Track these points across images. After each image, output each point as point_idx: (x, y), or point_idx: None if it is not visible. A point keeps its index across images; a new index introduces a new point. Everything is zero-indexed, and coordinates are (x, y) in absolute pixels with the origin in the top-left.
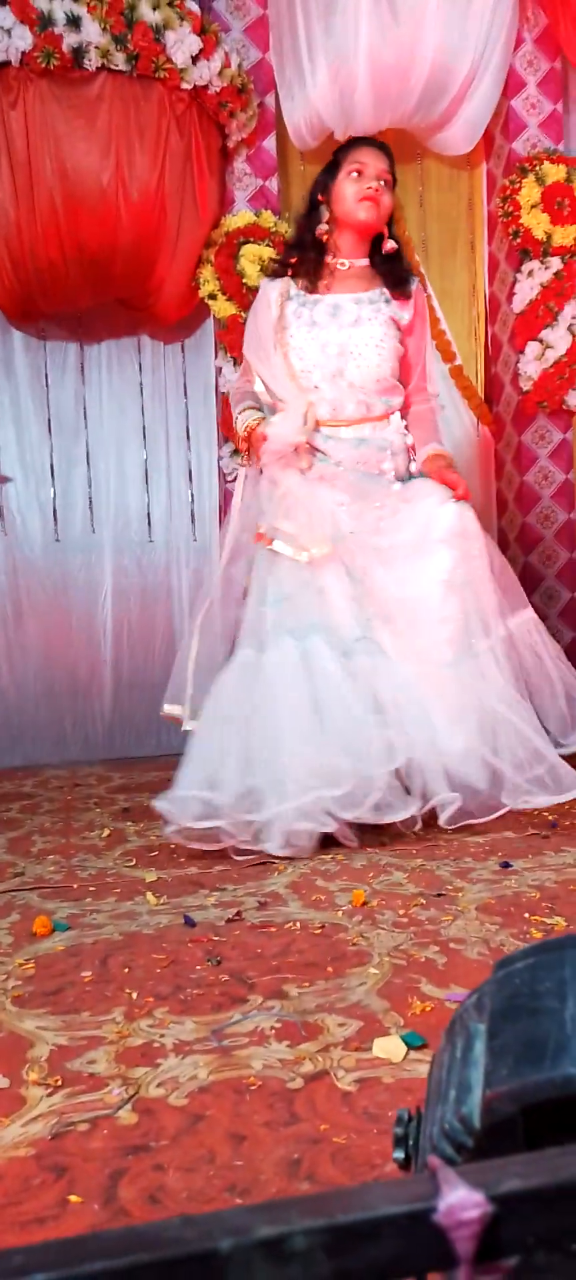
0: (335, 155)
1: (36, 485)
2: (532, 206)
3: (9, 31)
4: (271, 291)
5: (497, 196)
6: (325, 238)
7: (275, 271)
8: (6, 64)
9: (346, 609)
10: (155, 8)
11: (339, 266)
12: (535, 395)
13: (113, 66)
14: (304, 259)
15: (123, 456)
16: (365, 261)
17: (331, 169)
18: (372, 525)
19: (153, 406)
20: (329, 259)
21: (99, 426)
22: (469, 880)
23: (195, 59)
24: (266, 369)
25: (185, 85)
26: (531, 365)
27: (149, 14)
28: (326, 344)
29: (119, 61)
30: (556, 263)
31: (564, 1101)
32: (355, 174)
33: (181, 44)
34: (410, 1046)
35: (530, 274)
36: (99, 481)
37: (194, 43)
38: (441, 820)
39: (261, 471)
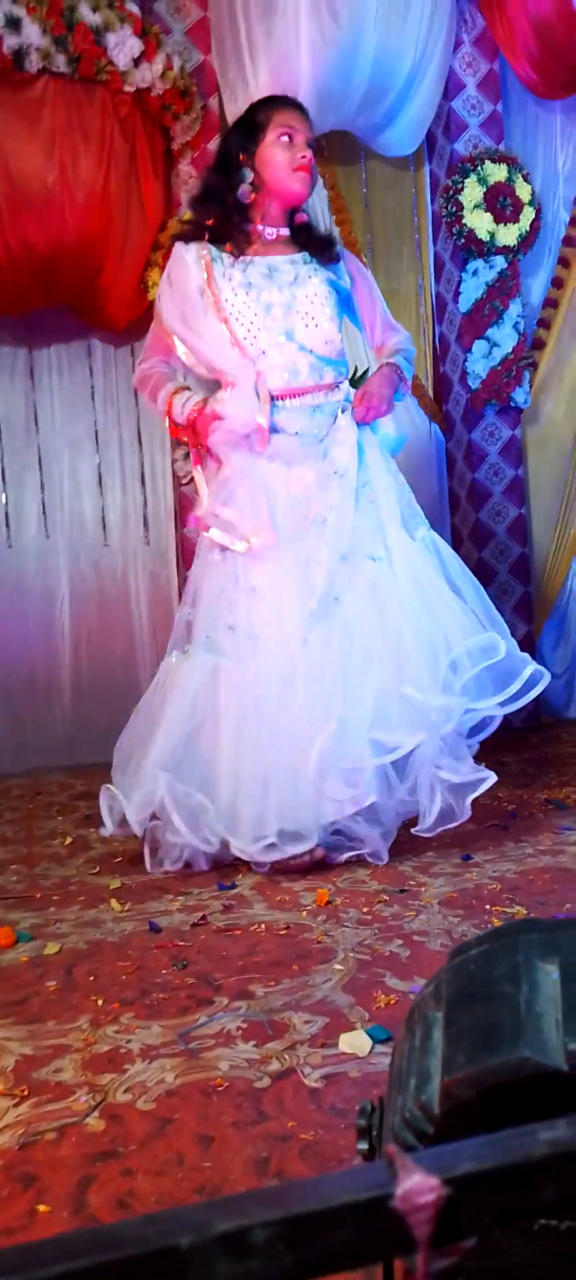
0: (254, 113)
1: None
2: (475, 206)
3: None
4: (187, 254)
5: (441, 196)
6: (249, 199)
7: (188, 234)
8: None
9: (284, 608)
10: (95, 9)
11: (266, 234)
12: (483, 393)
13: (54, 69)
14: (226, 222)
15: (76, 461)
16: (287, 231)
17: (252, 129)
18: (317, 498)
19: (105, 410)
20: (254, 224)
21: (51, 431)
22: (431, 875)
23: (137, 61)
24: (198, 339)
25: (128, 88)
26: (479, 363)
27: (89, 15)
28: (270, 305)
29: (60, 64)
30: (500, 261)
31: (520, 1084)
32: (286, 139)
33: (122, 46)
34: (376, 1040)
35: (475, 273)
36: (52, 487)
37: (135, 45)
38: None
39: (207, 454)
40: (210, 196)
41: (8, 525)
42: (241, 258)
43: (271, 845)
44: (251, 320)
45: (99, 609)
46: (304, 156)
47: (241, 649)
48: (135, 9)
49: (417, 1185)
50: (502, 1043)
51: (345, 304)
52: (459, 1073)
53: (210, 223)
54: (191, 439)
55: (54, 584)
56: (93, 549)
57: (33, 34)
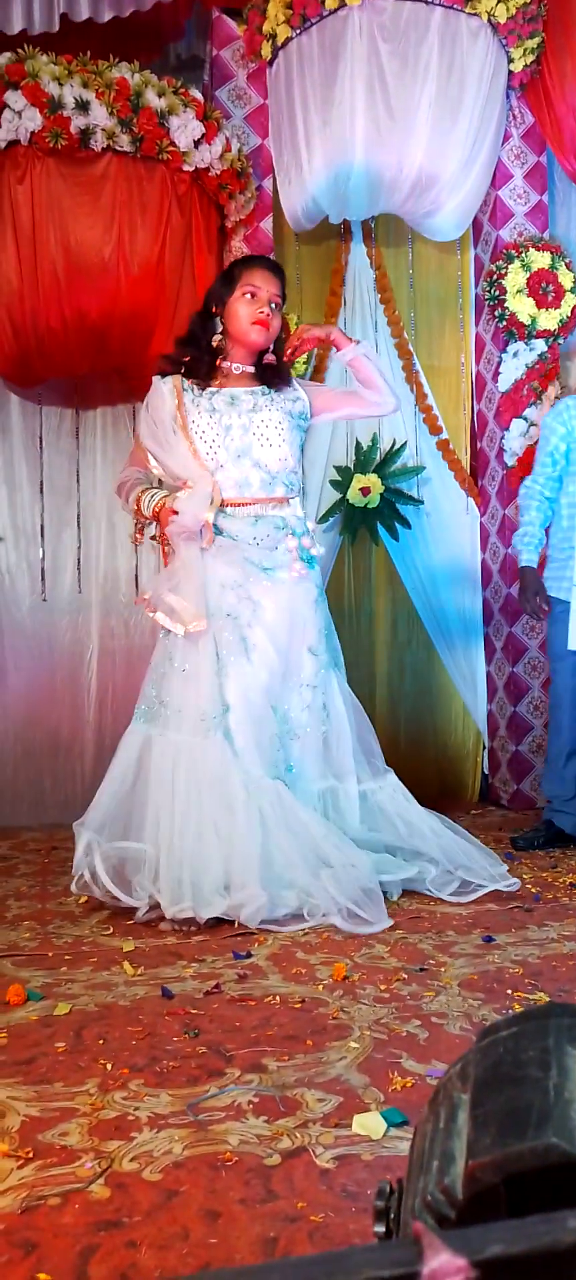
0: (231, 269)
1: (26, 545)
2: (518, 291)
3: (20, 113)
4: (163, 386)
5: (484, 280)
6: (217, 344)
7: (166, 370)
8: (15, 142)
9: (205, 689)
10: (161, 94)
11: (233, 370)
12: (520, 470)
13: (118, 147)
14: (198, 360)
15: (113, 520)
16: (252, 368)
17: (227, 282)
18: (247, 615)
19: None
20: (220, 362)
21: (91, 490)
22: (451, 955)
23: (197, 143)
24: (167, 454)
25: (187, 167)
26: (516, 441)
27: (155, 100)
28: (230, 426)
29: (124, 143)
30: (541, 345)
31: (547, 1171)
32: (249, 295)
33: (184, 129)
34: (390, 1124)
35: (515, 355)
36: (89, 543)
37: (196, 128)
38: (243, 918)
39: (166, 546)
40: (191, 339)
41: (43, 580)
42: (208, 388)
43: (188, 912)
44: (213, 439)
45: (126, 667)
46: (262, 311)
47: (169, 722)
48: (199, 95)
49: (445, 1265)
50: (529, 1128)
51: (298, 425)
52: (484, 1157)
53: (186, 359)
54: (143, 527)
55: (84, 639)
56: (124, 607)
57: (100, 115)
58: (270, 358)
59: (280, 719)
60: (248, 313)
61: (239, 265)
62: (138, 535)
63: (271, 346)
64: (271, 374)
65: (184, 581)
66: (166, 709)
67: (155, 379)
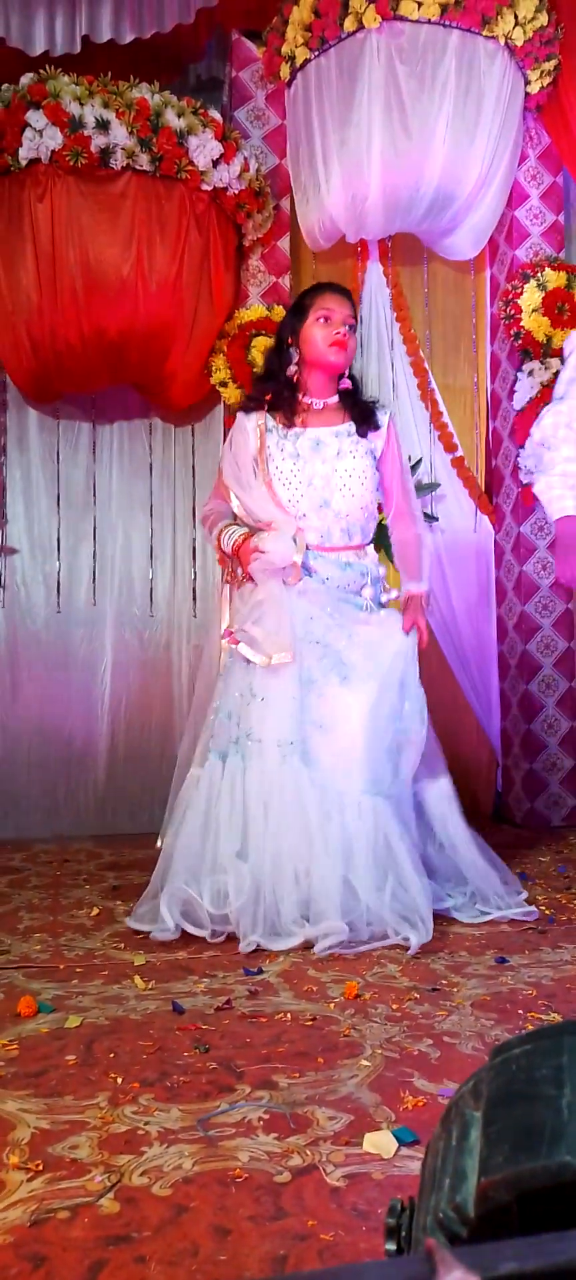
0: (301, 300)
1: (43, 558)
2: (534, 310)
3: (41, 132)
4: (248, 423)
5: (500, 300)
6: (296, 377)
7: (248, 405)
8: (36, 161)
9: (286, 714)
10: (180, 115)
11: (315, 406)
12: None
13: (137, 167)
14: (279, 396)
15: (129, 533)
16: (335, 399)
17: (299, 312)
18: (342, 642)
19: (161, 486)
20: (301, 397)
21: (107, 503)
22: (464, 975)
23: (216, 163)
24: (248, 495)
25: (205, 186)
26: (531, 459)
27: (174, 120)
28: (312, 476)
29: (143, 162)
30: (556, 364)
31: (560, 1188)
32: (323, 319)
33: (203, 148)
34: (401, 1142)
35: (530, 373)
36: (104, 556)
37: (215, 148)
38: (316, 950)
39: (246, 579)
40: (268, 375)
41: (59, 591)
42: (292, 428)
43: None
44: (295, 488)
45: (140, 680)
46: (338, 333)
47: (250, 752)
48: (217, 116)
49: None
50: (542, 1145)
51: (377, 466)
52: (496, 1174)
53: (268, 397)
54: (228, 564)
55: (98, 651)
56: (139, 619)
57: (120, 135)
58: (346, 383)
59: (394, 730)
60: (323, 335)
61: (309, 294)
62: (228, 577)
63: (349, 370)
64: (360, 416)
65: (268, 614)
66: (248, 739)
67: (239, 415)
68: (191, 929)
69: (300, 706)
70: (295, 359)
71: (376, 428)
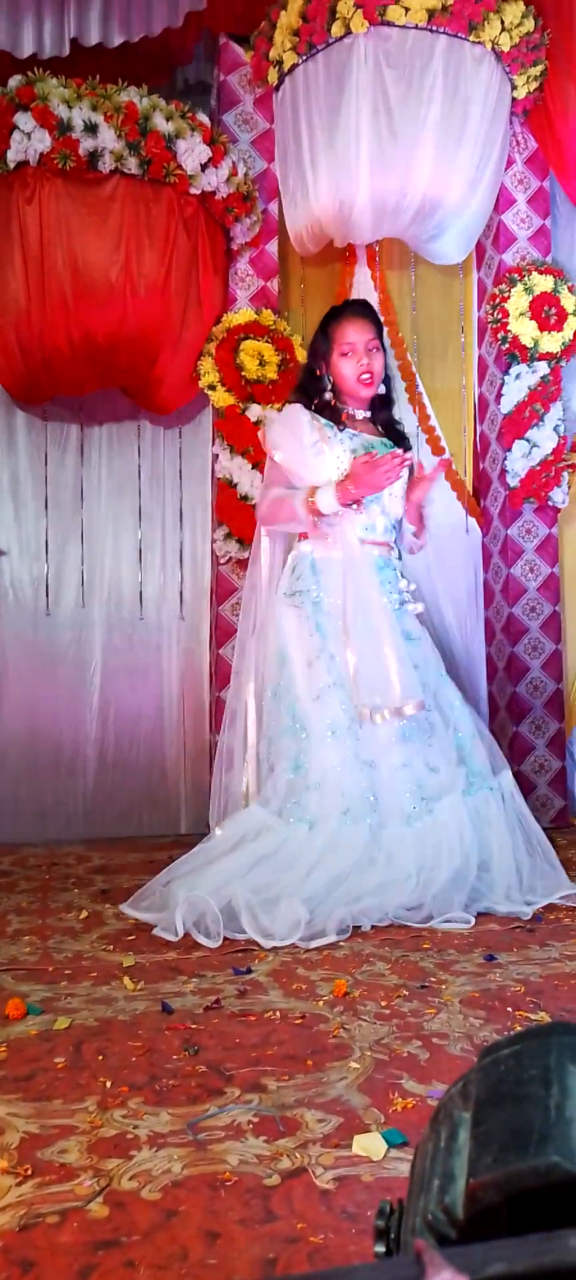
0: (326, 326)
1: (31, 560)
2: (520, 314)
3: (29, 134)
4: (303, 416)
5: (488, 304)
6: (333, 402)
7: (303, 401)
8: (24, 163)
9: (401, 783)
10: (168, 118)
11: (357, 416)
12: (522, 491)
13: (125, 170)
14: (324, 408)
15: (118, 536)
16: (369, 412)
17: (325, 340)
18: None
19: (150, 489)
20: (344, 407)
21: (96, 506)
22: (452, 973)
23: (204, 166)
24: (310, 472)
25: (193, 190)
26: (518, 463)
27: (162, 124)
28: None
29: (132, 165)
30: (543, 367)
31: (548, 1189)
32: (348, 353)
33: (191, 152)
34: (390, 1144)
35: (517, 377)
36: (93, 559)
37: (203, 151)
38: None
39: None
40: (308, 390)
41: (47, 594)
42: (343, 429)
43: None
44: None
45: (130, 683)
46: (362, 363)
47: (357, 814)
48: (205, 120)
49: None
50: (531, 1146)
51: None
52: (485, 1175)
53: (315, 402)
54: (319, 524)
55: (87, 654)
56: (128, 622)
57: (108, 138)
58: (380, 390)
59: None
60: (351, 371)
61: (331, 321)
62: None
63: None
64: (396, 437)
65: (365, 648)
66: (357, 800)
67: (294, 405)
68: (200, 939)
69: (409, 770)
70: (329, 386)
71: (410, 448)
